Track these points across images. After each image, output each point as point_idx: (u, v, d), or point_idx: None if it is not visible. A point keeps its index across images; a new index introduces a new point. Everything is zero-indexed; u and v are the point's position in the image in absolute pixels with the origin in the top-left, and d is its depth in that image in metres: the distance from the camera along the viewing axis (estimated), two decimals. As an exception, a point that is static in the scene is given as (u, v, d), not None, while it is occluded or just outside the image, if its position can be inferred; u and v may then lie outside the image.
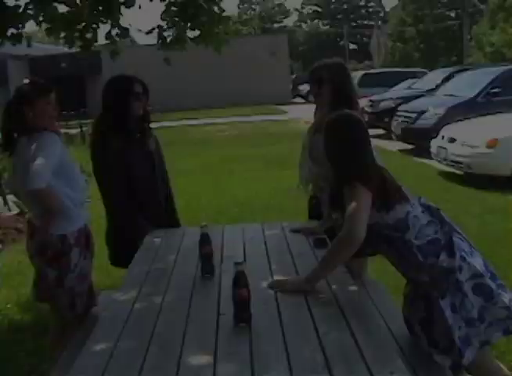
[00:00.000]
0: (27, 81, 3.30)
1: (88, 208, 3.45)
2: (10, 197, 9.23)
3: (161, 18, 5.25)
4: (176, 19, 5.34)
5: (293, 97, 36.27)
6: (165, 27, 5.41)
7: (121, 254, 3.73)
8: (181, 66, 34.53)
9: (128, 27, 5.24)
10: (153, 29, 5.27)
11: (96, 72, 31.77)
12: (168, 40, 5.41)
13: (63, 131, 18.49)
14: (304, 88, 36.63)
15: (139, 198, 3.61)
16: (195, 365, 1.92)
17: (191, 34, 5.55)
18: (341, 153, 2.63)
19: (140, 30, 5.80)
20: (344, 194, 2.53)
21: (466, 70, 15.32)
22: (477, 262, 2.58)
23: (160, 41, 5.29)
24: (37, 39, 34.91)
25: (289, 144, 12.63)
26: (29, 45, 5.20)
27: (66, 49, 6.29)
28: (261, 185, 9.87)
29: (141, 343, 2.08)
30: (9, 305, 5.29)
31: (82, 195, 3.30)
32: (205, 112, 28.24)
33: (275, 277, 2.68)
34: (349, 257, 2.54)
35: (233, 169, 11.61)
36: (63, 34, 5.09)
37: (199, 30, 5.37)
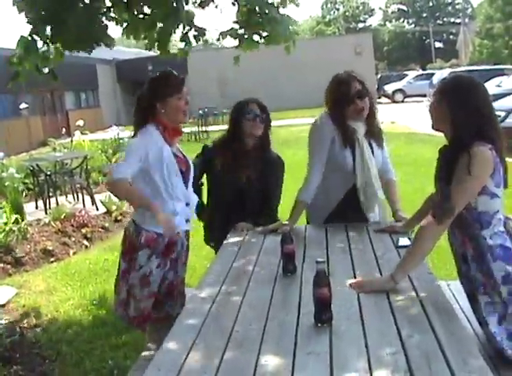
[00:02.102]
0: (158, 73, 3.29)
1: (188, 219, 3.38)
2: (98, 197, 9.54)
3: (236, 21, 5.26)
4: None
5: (379, 97, 35.72)
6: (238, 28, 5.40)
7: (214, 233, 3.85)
8: (267, 68, 34.90)
9: (204, 28, 5.25)
10: (232, 29, 5.26)
11: (183, 71, 32.42)
12: (241, 40, 5.40)
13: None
14: (390, 87, 36.04)
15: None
16: (273, 364, 1.89)
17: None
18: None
19: (216, 30, 5.82)
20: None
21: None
22: None
23: (237, 40, 5.28)
24: (123, 44, 36.01)
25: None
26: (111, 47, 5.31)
27: (151, 53, 6.39)
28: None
29: (219, 341, 2.07)
30: (95, 302, 5.44)
31: (178, 203, 3.22)
32: (290, 113, 28.19)
33: (358, 277, 2.60)
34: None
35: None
36: (143, 35, 5.16)
37: (266, 32, 5.32)
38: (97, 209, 9.35)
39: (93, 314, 5.20)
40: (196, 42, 5.33)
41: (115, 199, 9.06)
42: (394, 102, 34.28)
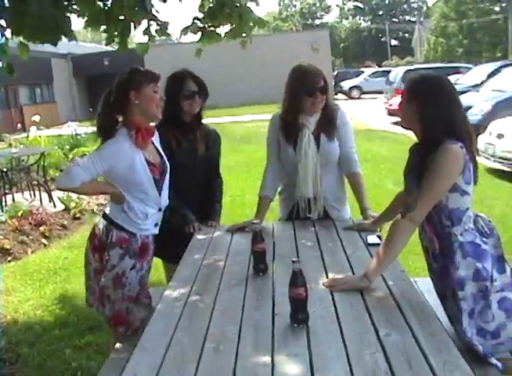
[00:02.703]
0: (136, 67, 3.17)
1: (157, 223, 3.27)
2: (55, 194, 9.35)
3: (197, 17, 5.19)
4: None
5: (336, 94, 35.99)
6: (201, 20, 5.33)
7: (170, 248, 3.70)
8: (222, 63, 34.76)
9: (167, 22, 5.16)
10: (194, 23, 5.18)
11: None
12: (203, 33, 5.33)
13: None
14: (346, 84, 36.35)
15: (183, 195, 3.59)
16: (252, 367, 1.85)
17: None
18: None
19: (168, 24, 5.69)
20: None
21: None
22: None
23: (200, 33, 5.20)
24: (79, 38, 35.38)
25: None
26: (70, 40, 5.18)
27: (108, 48, 6.27)
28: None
29: (195, 343, 2.03)
30: (55, 301, 5.32)
31: (150, 208, 3.14)
32: (246, 109, 28.18)
33: (330, 275, 2.59)
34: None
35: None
36: (102, 28, 5.03)
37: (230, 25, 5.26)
38: (55, 206, 9.16)
39: (54, 315, 5.08)
40: (159, 36, 5.25)
41: (73, 195, 8.91)
42: (351, 98, 34.62)
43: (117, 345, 3.05)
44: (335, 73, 41.23)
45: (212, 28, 5.25)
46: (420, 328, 2.03)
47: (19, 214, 8.02)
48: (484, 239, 2.55)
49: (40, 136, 13.42)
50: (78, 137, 13.65)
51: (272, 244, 3.13)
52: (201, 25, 5.27)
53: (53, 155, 12.14)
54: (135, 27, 4.96)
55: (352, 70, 45.13)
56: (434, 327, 2.06)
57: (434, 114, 2.53)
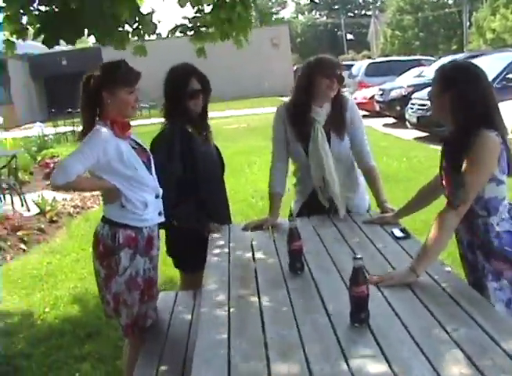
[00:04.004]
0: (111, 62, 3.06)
1: (160, 212, 3.15)
2: (29, 196, 9.05)
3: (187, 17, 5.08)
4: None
5: (295, 89, 36.03)
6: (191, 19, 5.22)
7: (181, 255, 3.58)
8: (177, 61, 34.21)
9: (157, 22, 5.05)
10: (183, 23, 5.06)
11: (98, 66, 31.53)
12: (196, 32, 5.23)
13: (70, 128, 18.21)
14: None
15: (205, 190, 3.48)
16: (328, 371, 1.74)
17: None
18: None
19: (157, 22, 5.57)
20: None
21: (476, 56, 15.09)
22: None
23: (192, 31, 5.09)
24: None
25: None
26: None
27: (64, 47, 6.11)
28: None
29: (257, 350, 1.90)
30: (47, 309, 5.11)
31: (147, 194, 3.01)
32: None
33: (371, 272, 2.49)
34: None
35: (252, 161, 11.40)
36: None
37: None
38: (28, 210, 8.86)
39: (47, 323, 4.87)
40: (148, 36, 5.11)
41: (48, 198, 8.64)
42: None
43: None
44: (294, 68, 41.28)
45: (203, 28, 5.16)
46: (484, 319, 1.96)
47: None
48: None
49: (5, 139, 13.04)
50: (46, 138, 13.30)
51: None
52: (190, 25, 5.17)
53: (21, 157, 11.78)
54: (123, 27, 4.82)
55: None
56: (494, 316, 2.02)
57: (470, 102, 2.45)
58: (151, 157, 3.12)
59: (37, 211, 8.58)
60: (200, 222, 3.41)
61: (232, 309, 2.26)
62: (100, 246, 2.98)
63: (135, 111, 3.06)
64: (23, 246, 7.24)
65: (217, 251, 3.04)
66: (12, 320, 5.01)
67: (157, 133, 3.51)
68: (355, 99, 19.56)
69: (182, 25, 5.26)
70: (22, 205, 9.07)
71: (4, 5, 4.70)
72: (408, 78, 17.11)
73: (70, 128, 18.90)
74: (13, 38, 5.01)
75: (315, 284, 2.42)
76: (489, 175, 2.43)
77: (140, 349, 2.98)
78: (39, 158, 11.88)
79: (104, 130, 2.89)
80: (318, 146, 3.37)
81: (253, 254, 2.91)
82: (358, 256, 1.99)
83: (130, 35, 4.99)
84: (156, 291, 3.18)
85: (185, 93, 3.43)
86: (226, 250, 3.03)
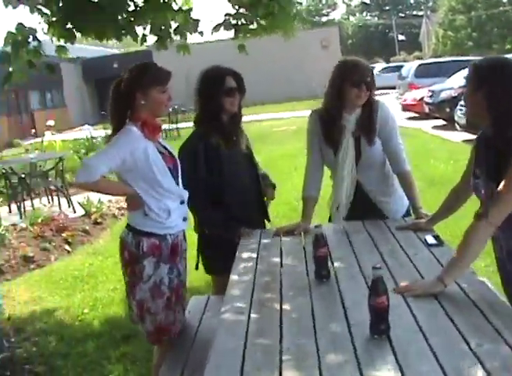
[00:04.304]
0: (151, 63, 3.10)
1: (185, 217, 3.14)
2: (74, 198, 9.21)
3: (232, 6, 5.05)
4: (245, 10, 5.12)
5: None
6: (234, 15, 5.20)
7: (212, 259, 3.55)
8: (233, 64, 34.37)
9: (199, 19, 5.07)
10: (226, 20, 5.04)
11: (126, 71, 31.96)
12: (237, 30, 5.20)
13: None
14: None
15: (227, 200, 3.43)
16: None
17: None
18: None
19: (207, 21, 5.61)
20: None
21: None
22: None
23: (234, 29, 5.07)
24: (88, 42, 35.36)
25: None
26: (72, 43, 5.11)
27: (116, 51, 6.19)
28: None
29: (271, 359, 1.86)
30: (85, 310, 5.17)
31: (170, 202, 3.00)
32: (260, 108, 27.96)
33: (397, 280, 2.41)
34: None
35: (298, 164, 11.30)
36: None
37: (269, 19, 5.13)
38: (74, 211, 9.04)
39: (85, 324, 4.94)
40: (191, 34, 5.15)
41: (94, 200, 8.77)
42: (362, 94, 34.29)
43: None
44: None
45: (244, 23, 5.14)
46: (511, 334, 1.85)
47: (40, 220, 7.89)
48: None
49: (55, 141, 13.32)
50: (94, 140, 13.54)
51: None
52: (234, 21, 5.16)
53: (69, 159, 12.02)
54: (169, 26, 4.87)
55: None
56: None
57: (506, 99, 2.33)
58: (178, 163, 3.11)
59: (83, 212, 8.73)
60: (229, 229, 3.38)
61: (252, 316, 2.22)
62: (125, 253, 2.98)
63: (167, 109, 3.08)
64: (67, 247, 7.38)
65: (245, 256, 3.00)
66: (51, 320, 5.09)
67: (186, 139, 3.50)
68: (405, 100, 19.27)
69: (224, 22, 5.24)
70: (69, 207, 9.25)
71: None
72: (458, 79, 16.70)
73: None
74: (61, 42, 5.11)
75: (340, 293, 2.35)
76: None
77: (166, 355, 2.97)
78: (87, 160, 12.08)
79: (134, 130, 2.90)
80: (339, 155, 3.38)
81: (281, 261, 2.86)
82: (378, 266, 1.93)
83: (172, 35, 5.05)
84: (183, 297, 3.15)
85: (221, 91, 3.39)
86: (254, 255, 2.99)
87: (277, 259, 2.88)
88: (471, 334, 1.90)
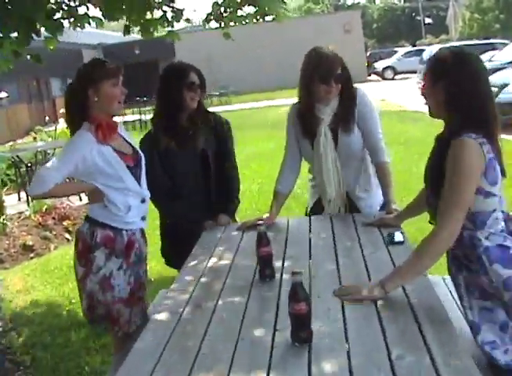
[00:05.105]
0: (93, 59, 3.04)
1: (143, 216, 3.10)
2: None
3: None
4: None
5: (369, 75, 35.35)
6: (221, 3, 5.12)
7: (171, 255, 3.54)
8: (254, 47, 34.44)
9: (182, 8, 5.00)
10: (214, 8, 4.96)
11: (170, 56, 31.86)
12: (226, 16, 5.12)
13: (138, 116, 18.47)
14: (380, 65, 35.62)
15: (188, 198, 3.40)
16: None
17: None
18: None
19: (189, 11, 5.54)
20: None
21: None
22: None
23: (218, 18, 4.99)
24: (110, 28, 35.48)
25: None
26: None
27: (138, 36, 6.15)
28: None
29: (184, 364, 1.80)
30: (73, 300, 5.17)
31: (131, 199, 2.95)
32: (280, 93, 27.76)
33: (343, 281, 2.33)
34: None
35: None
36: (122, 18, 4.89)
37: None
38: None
39: (72, 314, 4.93)
40: (176, 22, 5.08)
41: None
42: (385, 79, 33.90)
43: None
44: (368, 53, 40.51)
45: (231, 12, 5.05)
46: (439, 349, 1.74)
47: (44, 209, 7.93)
48: None
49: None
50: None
51: (284, 243, 2.90)
52: (222, 10, 5.07)
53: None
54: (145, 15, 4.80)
55: (386, 50, 44.24)
56: (455, 347, 1.77)
57: (459, 99, 2.22)
58: (141, 159, 3.06)
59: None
60: (192, 221, 3.34)
61: (184, 316, 2.17)
62: (80, 243, 2.95)
63: (121, 107, 2.97)
64: (67, 235, 7.40)
65: (199, 251, 2.94)
66: (40, 310, 5.11)
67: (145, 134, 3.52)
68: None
69: (214, 12, 5.16)
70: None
71: None
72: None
73: (137, 117, 19.27)
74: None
75: (279, 295, 2.27)
76: (473, 188, 2.16)
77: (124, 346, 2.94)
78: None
79: (86, 135, 2.83)
80: (319, 146, 3.25)
81: (233, 257, 2.80)
82: (298, 270, 1.84)
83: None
84: (141, 295, 3.11)
85: (183, 84, 3.33)
86: (210, 250, 2.93)
87: (231, 255, 2.81)
88: (396, 344, 1.80)
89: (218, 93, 29.42)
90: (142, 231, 3.13)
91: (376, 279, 2.26)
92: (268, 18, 5.23)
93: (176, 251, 3.33)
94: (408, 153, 9.94)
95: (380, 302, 2.10)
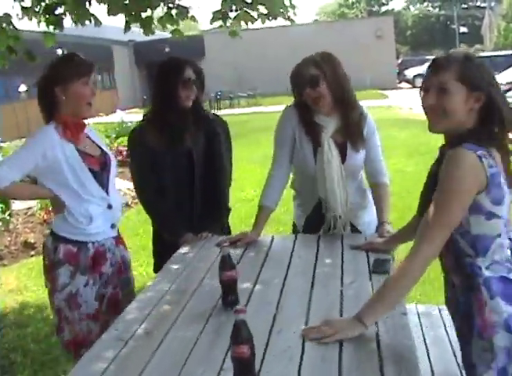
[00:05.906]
0: (60, 54, 2.89)
1: (113, 224, 2.91)
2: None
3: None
4: None
5: (399, 82, 34.92)
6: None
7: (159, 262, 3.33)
8: (284, 52, 34.16)
9: (188, 6, 4.83)
10: (222, 7, 4.76)
11: (200, 54, 31.82)
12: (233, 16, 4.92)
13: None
14: (410, 72, 35.12)
15: (173, 200, 3.20)
16: None
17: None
18: None
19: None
20: None
21: None
22: None
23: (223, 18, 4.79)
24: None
25: (385, 131, 11.81)
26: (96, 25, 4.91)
27: (168, 35, 5.97)
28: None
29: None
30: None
31: (94, 206, 2.77)
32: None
33: (311, 316, 2.10)
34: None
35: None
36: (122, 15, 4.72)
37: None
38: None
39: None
40: (182, 20, 4.91)
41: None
42: (415, 87, 33.36)
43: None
44: (399, 61, 40.01)
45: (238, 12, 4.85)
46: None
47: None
48: None
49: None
50: (125, 125, 13.44)
51: (260, 265, 2.68)
52: (229, 9, 4.88)
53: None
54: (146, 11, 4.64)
55: (417, 57, 43.65)
56: None
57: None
58: (110, 164, 2.87)
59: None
60: (172, 232, 3.16)
61: (130, 343, 1.97)
62: (46, 258, 2.78)
63: (90, 109, 2.77)
64: (70, 234, 7.26)
65: (170, 268, 2.73)
66: (28, 312, 4.98)
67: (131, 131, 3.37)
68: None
69: (221, 12, 4.97)
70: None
71: None
72: (509, 75, 16.01)
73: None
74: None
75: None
76: (464, 206, 1.91)
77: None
78: (115, 145, 11.97)
79: (49, 131, 2.67)
80: (323, 156, 3.01)
81: (202, 278, 2.58)
82: (239, 307, 1.63)
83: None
84: (119, 308, 2.91)
85: (178, 80, 3.13)
86: (181, 268, 2.72)
87: (201, 275, 2.60)
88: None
89: (246, 94, 29.29)
90: (117, 238, 2.94)
91: (347, 315, 2.04)
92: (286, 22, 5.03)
93: (162, 260, 3.15)
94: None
95: (345, 342, 1.87)
